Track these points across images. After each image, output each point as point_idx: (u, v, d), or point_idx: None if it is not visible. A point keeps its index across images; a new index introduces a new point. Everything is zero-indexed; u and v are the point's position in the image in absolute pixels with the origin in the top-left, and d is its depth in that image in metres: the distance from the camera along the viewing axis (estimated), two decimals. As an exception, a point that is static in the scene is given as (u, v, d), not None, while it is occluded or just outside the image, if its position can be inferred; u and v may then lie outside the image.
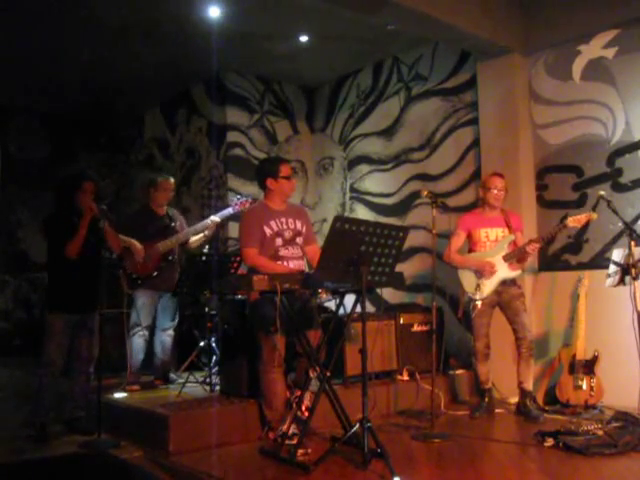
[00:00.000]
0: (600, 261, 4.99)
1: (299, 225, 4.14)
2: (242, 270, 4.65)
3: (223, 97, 7.00)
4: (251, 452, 3.75)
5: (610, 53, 5.08)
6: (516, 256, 4.54)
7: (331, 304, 5.10)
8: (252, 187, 6.75)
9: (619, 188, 4.99)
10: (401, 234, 3.53)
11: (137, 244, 4.81)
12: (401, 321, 5.16)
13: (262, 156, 6.94)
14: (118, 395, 4.60)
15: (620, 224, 4.50)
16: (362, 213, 6.93)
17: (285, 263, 4.01)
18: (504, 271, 4.56)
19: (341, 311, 3.97)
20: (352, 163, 7.15)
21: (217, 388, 4.62)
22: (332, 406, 3.75)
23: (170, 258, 4.99)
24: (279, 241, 4.03)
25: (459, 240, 4.72)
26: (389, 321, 5.10)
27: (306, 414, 3.81)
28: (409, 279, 5.82)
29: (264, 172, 4.13)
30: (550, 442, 3.72)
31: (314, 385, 3.94)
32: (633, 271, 4.20)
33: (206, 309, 5.19)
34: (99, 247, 4.12)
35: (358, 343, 3.96)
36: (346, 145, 7.22)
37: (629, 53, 4.97)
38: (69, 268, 4.17)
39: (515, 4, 5.55)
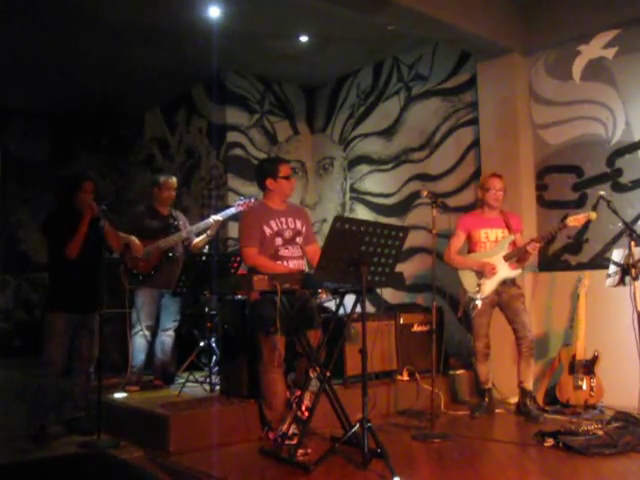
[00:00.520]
0: (600, 261, 4.99)
1: (299, 225, 4.15)
2: (242, 270, 4.66)
3: (223, 97, 7.00)
4: (251, 452, 3.75)
5: (610, 53, 5.08)
6: (516, 256, 4.54)
7: (331, 304, 5.11)
8: (252, 187, 6.75)
9: (619, 188, 4.99)
10: (401, 234, 3.53)
11: (135, 240, 4.82)
12: (401, 321, 5.16)
13: (262, 156, 6.94)
14: (118, 395, 4.60)
15: (620, 224, 4.50)
16: (362, 213, 6.94)
17: (285, 263, 4.01)
18: (505, 271, 4.56)
19: (341, 311, 3.97)
20: (352, 163, 7.15)
21: (217, 388, 4.62)
22: (332, 406, 3.75)
23: (171, 255, 4.99)
24: (279, 241, 4.03)
25: (459, 241, 4.72)
26: (389, 321, 5.09)
27: (306, 414, 3.81)
28: (409, 279, 5.82)
29: (264, 172, 4.13)
30: (550, 442, 3.72)
31: (314, 385, 3.94)
32: (633, 271, 4.20)
33: (206, 309, 5.19)
34: (99, 247, 4.12)
35: (358, 343, 3.96)
36: (346, 145, 7.22)
37: (629, 53, 4.97)
38: (70, 268, 4.17)
39: (515, 4, 5.55)
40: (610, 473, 3.27)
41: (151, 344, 5.05)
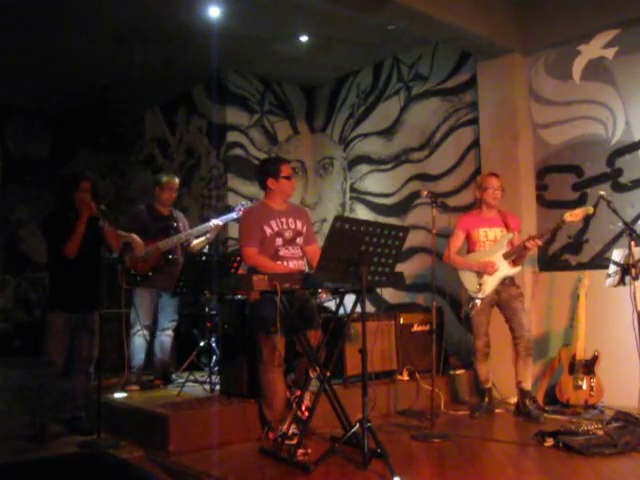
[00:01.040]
0: (600, 261, 4.99)
1: (299, 225, 4.14)
2: (242, 270, 4.66)
3: (223, 97, 7.00)
4: (251, 452, 3.75)
5: (610, 53, 5.08)
6: (516, 253, 4.55)
7: (331, 304, 5.11)
8: (252, 187, 6.76)
9: (619, 188, 4.99)
10: (401, 234, 3.53)
11: (137, 238, 4.79)
12: (401, 321, 5.16)
13: (262, 156, 6.94)
14: (118, 395, 4.60)
15: (620, 224, 4.50)
16: (362, 213, 6.93)
17: (285, 263, 4.00)
18: (505, 269, 4.57)
19: (341, 311, 3.97)
20: (352, 163, 7.15)
21: (217, 388, 4.62)
22: (332, 406, 3.75)
23: (170, 257, 4.99)
24: (279, 241, 4.03)
25: (458, 241, 4.73)
26: (389, 321, 5.10)
27: (306, 414, 3.81)
28: (409, 279, 5.82)
29: (265, 172, 4.13)
30: (550, 442, 3.72)
31: (314, 385, 3.94)
32: (633, 271, 4.21)
33: (206, 309, 5.19)
34: (98, 246, 4.12)
35: (358, 343, 3.96)
36: (346, 145, 7.22)
37: (629, 53, 4.97)
38: (69, 267, 4.17)
39: (515, 4, 5.55)
40: (610, 473, 3.27)
41: (150, 344, 5.06)
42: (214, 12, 5.55)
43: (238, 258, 4.67)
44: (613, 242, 4.95)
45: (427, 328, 5.16)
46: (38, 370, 4.28)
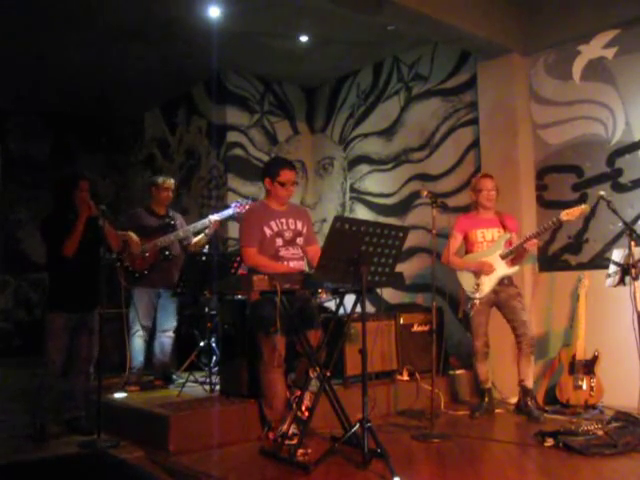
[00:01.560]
0: (600, 261, 4.99)
1: (299, 226, 4.14)
2: (242, 270, 4.66)
3: (223, 97, 7.00)
4: (251, 452, 3.75)
5: (610, 53, 5.08)
6: (513, 253, 4.55)
7: (331, 304, 5.11)
8: (252, 187, 6.77)
9: (619, 188, 4.99)
10: (401, 234, 3.53)
11: (133, 236, 4.82)
12: (401, 321, 5.16)
13: (262, 156, 6.96)
14: (118, 395, 4.60)
15: (620, 224, 4.49)
16: (362, 213, 6.94)
17: (285, 264, 4.00)
18: (502, 269, 4.57)
19: (341, 311, 3.97)
20: (352, 163, 7.15)
21: (217, 388, 4.62)
22: (332, 406, 3.74)
23: (167, 253, 4.99)
24: (279, 241, 4.02)
25: (456, 242, 4.74)
26: (389, 321, 5.09)
27: (306, 414, 3.81)
28: (409, 279, 5.82)
29: (265, 172, 4.13)
30: (550, 442, 3.72)
31: (314, 385, 3.94)
32: (633, 271, 4.21)
33: (206, 309, 5.19)
34: (97, 246, 4.12)
35: (358, 343, 3.96)
36: (346, 145, 7.22)
37: (629, 53, 4.97)
38: (68, 267, 4.17)
39: (515, 4, 5.55)
40: (610, 473, 3.27)
41: (149, 344, 5.06)
42: (214, 12, 5.55)
43: (238, 258, 4.67)
44: (613, 242, 4.95)
45: (427, 328, 5.16)
46: (38, 370, 4.28)
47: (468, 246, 4.76)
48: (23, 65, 6.60)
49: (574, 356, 4.70)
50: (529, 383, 4.57)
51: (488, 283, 4.56)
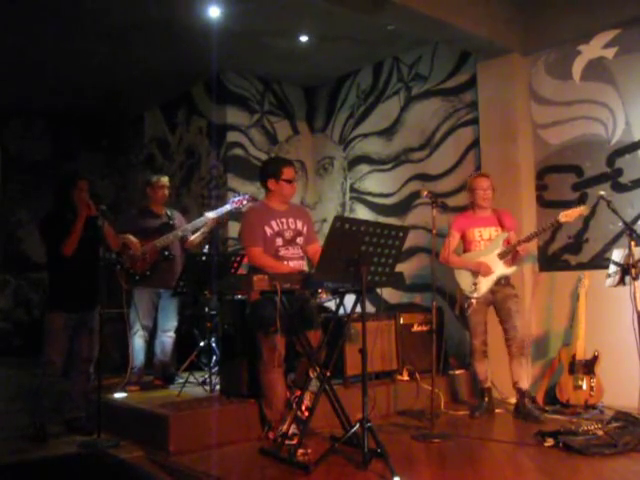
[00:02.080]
0: (600, 261, 4.99)
1: (300, 225, 4.14)
2: (242, 270, 4.66)
3: (223, 97, 7.00)
4: (251, 452, 3.75)
5: (610, 53, 5.08)
6: (510, 252, 4.55)
7: (331, 304, 5.10)
8: (252, 187, 6.76)
9: (619, 188, 4.99)
10: (401, 234, 3.53)
11: (132, 238, 4.83)
12: (401, 321, 5.16)
13: (262, 156, 6.95)
14: (118, 395, 4.60)
15: (620, 224, 4.49)
16: (362, 213, 6.93)
17: (285, 263, 4.00)
18: (500, 269, 4.57)
19: (341, 311, 3.97)
20: (352, 163, 7.15)
21: (217, 388, 4.62)
22: (332, 406, 3.75)
23: (167, 253, 4.99)
24: (279, 241, 4.02)
25: (454, 241, 4.75)
26: (389, 321, 5.10)
27: (306, 414, 3.81)
28: (409, 279, 5.81)
29: (266, 173, 4.12)
30: (550, 442, 3.72)
31: (314, 385, 3.94)
32: (633, 271, 4.21)
33: (206, 309, 5.19)
34: (97, 245, 4.12)
35: (358, 343, 3.96)
36: (346, 145, 7.22)
37: (629, 53, 4.97)
38: (68, 267, 4.18)
39: (515, 4, 5.55)
40: (610, 473, 3.27)
41: (150, 344, 5.06)
42: (214, 12, 5.55)
43: (238, 258, 4.67)
44: (613, 242, 4.95)
45: (427, 328, 5.16)
46: (38, 370, 4.28)
47: (466, 245, 4.76)
48: (23, 65, 6.59)
49: (574, 356, 4.70)
50: (523, 384, 4.56)
51: (485, 283, 4.56)
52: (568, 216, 4.43)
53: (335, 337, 3.98)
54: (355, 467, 3.38)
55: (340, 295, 3.91)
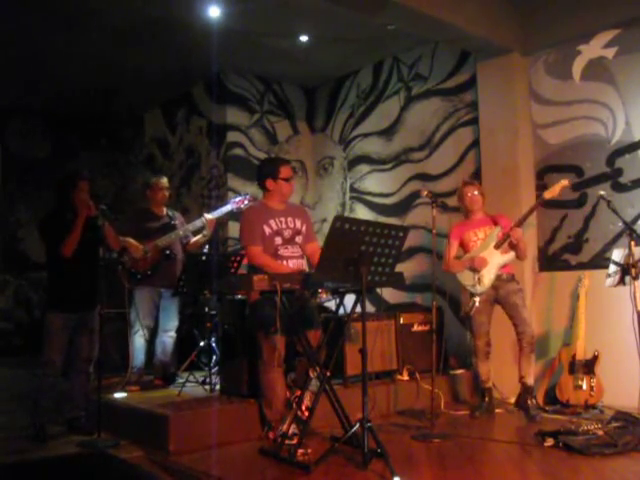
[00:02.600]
0: (600, 261, 4.99)
1: (299, 224, 4.14)
2: (242, 270, 4.66)
3: (223, 97, 7.00)
4: (251, 452, 3.75)
5: (610, 53, 5.08)
6: (505, 241, 4.56)
7: (331, 304, 5.11)
8: (252, 187, 6.75)
9: (619, 188, 4.99)
10: (401, 234, 3.53)
11: (131, 240, 4.83)
12: (401, 321, 5.16)
13: (262, 156, 6.95)
14: (118, 395, 4.60)
15: (620, 224, 4.50)
16: (362, 213, 6.93)
17: (284, 262, 4.00)
18: (497, 258, 4.57)
19: (341, 311, 3.97)
20: (352, 163, 7.15)
21: (217, 388, 4.62)
22: (332, 406, 3.75)
23: (168, 253, 4.99)
24: (278, 240, 4.02)
25: (453, 249, 4.80)
26: (389, 321, 5.10)
27: (306, 414, 3.80)
28: (409, 279, 5.79)
29: (264, 172, 4.13)
30: (550, 442, 3.72)
31: (314, 385, 3.94)
32: (633, 271, 4.21)
33: (206, 309, 5.19)
34: (96, 245, 4.12)
35: (358, 343, 3.96)
36: (346, 145, 7.22)
37: (629, 53, 4.97)
38: (67, 267, 4.17)
39: (515, 4, 5.55)
40: (610, 473, 3.27)
41: (150, 344, 5.06)
42: (214, 12, 5.55)
43: (238, 258, 4.67)
44: (613, 242, 4.95)
45: (427, 328, 5.16)
46: (38, 370, 4.28)
47: (464, 248, 4.80)
48: (23, 65, 6.59)
49: (574, 356, 4.70)
50: (529, 380, 4.57)
51: (487, 275, 4.56)
52: (552, 192, 4.51)
53: (335, 337, 3.98)
54: (355, 467, 3.37)
55: (340, 295, 3.91)
